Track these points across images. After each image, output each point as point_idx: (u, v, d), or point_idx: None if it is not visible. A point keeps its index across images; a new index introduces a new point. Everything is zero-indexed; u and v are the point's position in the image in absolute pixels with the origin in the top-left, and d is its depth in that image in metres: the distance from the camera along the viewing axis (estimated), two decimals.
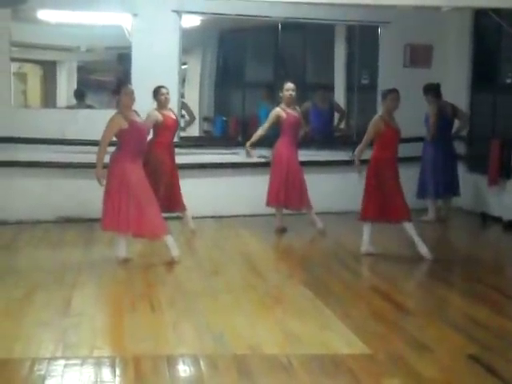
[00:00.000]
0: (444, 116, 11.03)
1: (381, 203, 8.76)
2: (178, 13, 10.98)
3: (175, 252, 8.45)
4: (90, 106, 11.73)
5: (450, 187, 11.10)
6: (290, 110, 10.13)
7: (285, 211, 10.24)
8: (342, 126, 13.00)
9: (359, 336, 6.13)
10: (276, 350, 5.89)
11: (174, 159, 9.97)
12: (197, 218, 10.72)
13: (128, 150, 8.21)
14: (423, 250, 8.71)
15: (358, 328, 6.36)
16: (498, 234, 10.47)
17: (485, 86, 11.54)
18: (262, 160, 10.95)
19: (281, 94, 10.23)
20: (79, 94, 11.75)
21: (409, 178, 10.82)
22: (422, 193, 11.21)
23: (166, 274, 8.18)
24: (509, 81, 11.16)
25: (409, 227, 8.78)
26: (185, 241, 9.75)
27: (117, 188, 8.15)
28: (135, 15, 10.89)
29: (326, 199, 11.05)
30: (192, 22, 11.73)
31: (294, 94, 10.09)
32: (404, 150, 11.47)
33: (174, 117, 10.04)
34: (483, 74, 11.83)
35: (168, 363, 5.56)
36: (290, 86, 10.13)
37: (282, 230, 10.16)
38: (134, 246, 9.20)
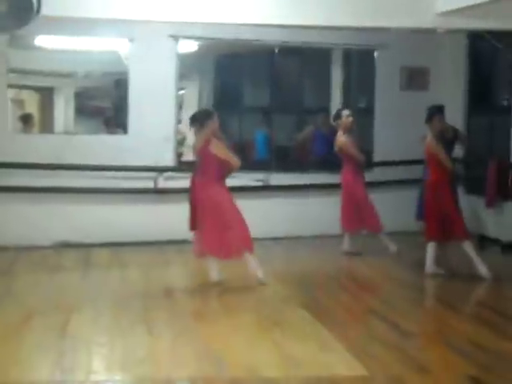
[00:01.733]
0: (445, 138, 10.98)
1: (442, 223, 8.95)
2: (175, 38, 11.01)
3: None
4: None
5: None
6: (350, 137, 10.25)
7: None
8: None
9: (358, 358, 6.09)
10: (274, 372, 5.85)
11: None
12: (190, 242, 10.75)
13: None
14: (483, 269, 8.86)
15: (357, 350, 6.32)
16: (496, 255, 10.44)
17: (481, 109, 11.57)
18: (260, 184, 10.96)
19: (339, 122, 10.26)
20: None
21: (411, 200, 10.87)
22: (421, 214, 11.16)
23: (163, 298, 8.13)
24: (505, 103, 11.19)
25: (468, 246, 8.96)
26: (183, 264, 9.72)
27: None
28: (132, 40, 10.92)
29: (328, 222, 11.05)
30: (189, 46, 11.77)
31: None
32: (405, 173, 11.57)
33: None
34: (479, 96, 11.87)
35: None
36: (347, 112, 10.27)
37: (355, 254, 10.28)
38: (132, 273, 9.23)
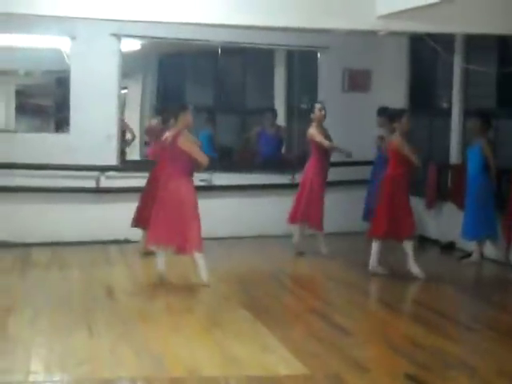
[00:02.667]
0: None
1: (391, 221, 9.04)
2: (117, 36, 10.94)
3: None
4: None
5: None
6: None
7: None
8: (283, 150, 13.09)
9: (298, 357, 6.14)
10: (215, 372, 5.87)
11: None
12: (137, 241, 10.69)
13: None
14: (416, 270, 9.01)
15: (297, 349, 6.37)
16: (435, 256, 10.60)
17: (422, 111, 11.71)
18: (203, 184, 10.95)
19: (312, 115, 10.34)
20: None
21: (355, 201, 10.96)
22: (368, 215, 11.24)
23: (104, 298, 8.07)
24: (445, 105, 11.35)
25: (409, 246, 9.07)
26: (124, 265, 9.68)
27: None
28: (73, 38, 10.82)
29: (271, 222, 11.11)
30: (132, 45, 11.71)
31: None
32: (347, 174, 11.66)
33: None
34: (420, 98, 12.02)
35: None
36: (319, 105, 10.43)
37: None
38: (73, 273, 9.17)
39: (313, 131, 10.24)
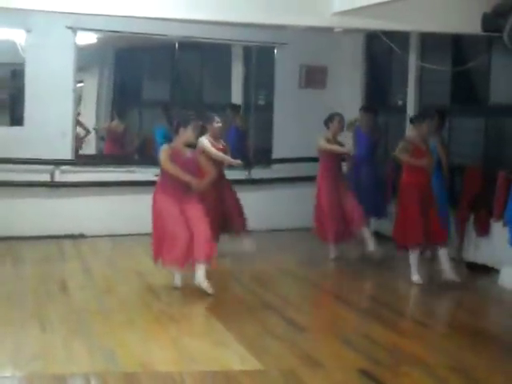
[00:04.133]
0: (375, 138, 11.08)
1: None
2: (73, 29, 10.84)
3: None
4: None
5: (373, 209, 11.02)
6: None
7: None
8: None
9: (252, 352, 6.17)
10: (169, 367, 5.88)
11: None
12: (92, 236, 10.65)
13: None
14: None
15: (252, 344, 6.39)
16: (390, 252, 10.66)
17: (377, 108, 11.77)
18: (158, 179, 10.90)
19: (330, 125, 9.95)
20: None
21: (310, 197, 10.94)
22: None
23: (57, 294, 8.01)
24: (400, 103, 11.44)
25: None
26: (79, 260, 9.62)
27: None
28: (29, 31, 10.70)
29: None
30: (88, 39, 11.61)
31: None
32: (304, 170, 11.68)
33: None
34: (376, 95, 12.10)
35: (58, 382, 5.48)
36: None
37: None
38: (26, 267, 9.09)
39: (322, 143, 9.88)
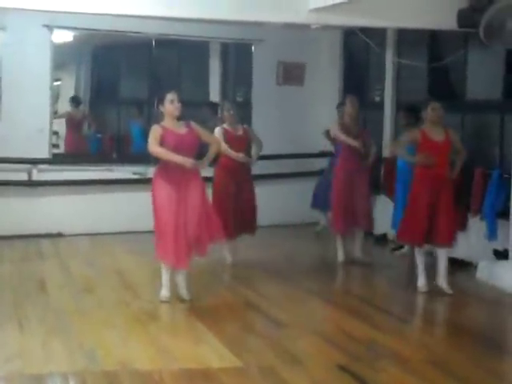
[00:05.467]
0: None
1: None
2: (49, 27, 10.80)
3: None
4: None
5: None
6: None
7: None
8: None
9: (232, 350, 6.16)
10: (148, 365, 5.86)
11: None
12: (71, 235, 10.61)
13: None
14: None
15: (231, 342, 6.39)
16: (369, 248, 10.70)
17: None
18: (137, 177, 10.90)
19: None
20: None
21: (287, 194, 10.97)
22: (318, 203, 11.25)
23: (36, 293, 7.98)
24: (377, 99, 11.48)
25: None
26: (58, 259, 9.59)
27: None
28: (4, 29, 10.64)
29: None
30: (65, 37, 11.58)
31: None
32: (281, 166, 11.71)
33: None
34: (353, 91, 12.10)
35: (37, 382, 5.47)
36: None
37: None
38: (4, 267, 9.04)
39: (334, 130, 9.54)
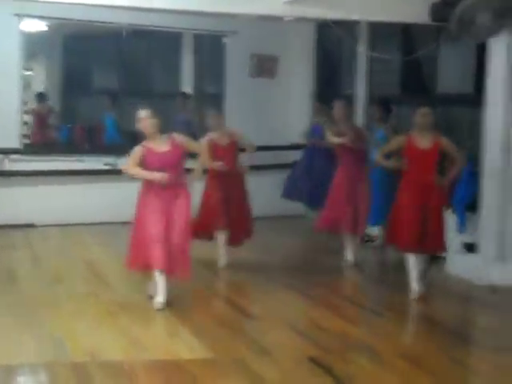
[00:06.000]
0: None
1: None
2: (19, 16, 10.68)
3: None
4: None
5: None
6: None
7: None
8: None
9: (202, 341, 6.18)
10: (118, 356, 5.86)
11: None
12: (42, 226, 10.54)
13: None
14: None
15: (202, 333, 6.40)
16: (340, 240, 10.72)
17: (327, 97, 11.82)
18: (108, 167, 10.86)
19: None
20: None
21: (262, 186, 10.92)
22: (289, 193, 11.27)
23: (5, 283, 7.93)
24: (349, 91, 11.50)
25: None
26: (29, 249, 9.53)
27: None
28: None
29: None
30: (36, 26, 11.49)
31: None
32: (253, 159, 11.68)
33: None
34: (326, 84, 12.16)
35: (6, 373, 5.43)
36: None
37: None
38: None
39: (328, 136, 9.27)
